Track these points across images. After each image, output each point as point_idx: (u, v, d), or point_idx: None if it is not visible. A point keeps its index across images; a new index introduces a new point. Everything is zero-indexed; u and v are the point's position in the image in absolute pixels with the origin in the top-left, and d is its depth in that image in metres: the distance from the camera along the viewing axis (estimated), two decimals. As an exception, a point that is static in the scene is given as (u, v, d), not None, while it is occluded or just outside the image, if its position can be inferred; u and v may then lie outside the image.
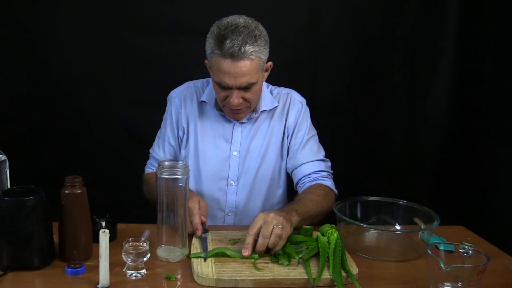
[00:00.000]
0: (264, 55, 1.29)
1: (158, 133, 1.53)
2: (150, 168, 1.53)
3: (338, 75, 2.00)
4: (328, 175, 1.46)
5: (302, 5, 1.94)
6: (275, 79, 1.57)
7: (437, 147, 1.98)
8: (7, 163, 1.15)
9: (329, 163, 1.49)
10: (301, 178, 1.45)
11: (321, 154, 1.48)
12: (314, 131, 1.51)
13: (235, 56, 1.23)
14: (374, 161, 2.06)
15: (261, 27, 1.30)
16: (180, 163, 1.13)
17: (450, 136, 1.93)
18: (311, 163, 1.44)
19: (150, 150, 1.54)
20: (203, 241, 1.18)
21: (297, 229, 1.22)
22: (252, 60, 1.25)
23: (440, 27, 1.89)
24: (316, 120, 1.56)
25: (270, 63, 1.36)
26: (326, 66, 1.99)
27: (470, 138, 1.79)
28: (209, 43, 1.28)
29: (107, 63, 1.94)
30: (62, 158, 1.98)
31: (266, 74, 1.39)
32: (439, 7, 1.89)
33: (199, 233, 1.20)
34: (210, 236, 1.23)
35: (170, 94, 1.52)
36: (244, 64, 1.24)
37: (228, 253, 1.11)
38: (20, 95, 1.94)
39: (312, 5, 1.94)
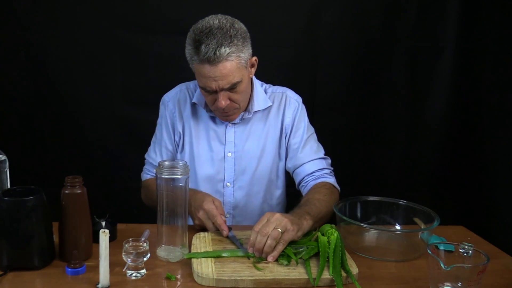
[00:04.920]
0: (244, 52, 1.26)
1: (153, 138, 1.52)
2: (147, 174, 1.52)
3: (338, 75, 2.00)
4: (331, 172, 1.46)
5: (302, 5, 1.94)
6: (275, 79, 1.57)
7: (437, 147, 1.98)
8: (7, 163, 1.15)
9: (329, 161, 1.49)
10: (304, 177, 1.44)
11: (321, 152, 1.48)
12: (312, 129, 1.51)
13: (212, 60, 1.21)
14: (374, 161, 2.06)
15: (237, 25, 1.26)
16: (180, 163, 1.13)
17: (450, 136, 1.93)
18: (313, 162, 1.44)
19: (146, 156, 1.53)
20: (234, 240, 1.19)
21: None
22: (231, 61, 1.23)
23: (440, 27, 1.89)
24: (316, 120, 1.56)
25: (254, 58, 1.34)
26: (326, 66, 1.98)
27: (470, 138, 1.79)
28: (187, 50, 1.26)
29: (107, 63, 1.94)
30: (62, 158, 1.98)
31: (253, 70, 1.37)
32: (439, 7, 1.89)
33: (225, 233, 1.20)
34: (210, 236, 1.23)
35: (163, 98, 1.50)
36: (223, 67, 1.22)
37: (224, 255, 1.11)
38: (20, 95, 1.94)
39: (312, 5, 1.94)
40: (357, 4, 1.94)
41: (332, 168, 1.48)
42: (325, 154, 1.49)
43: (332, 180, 1.43)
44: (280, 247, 1.10)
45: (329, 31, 1.95)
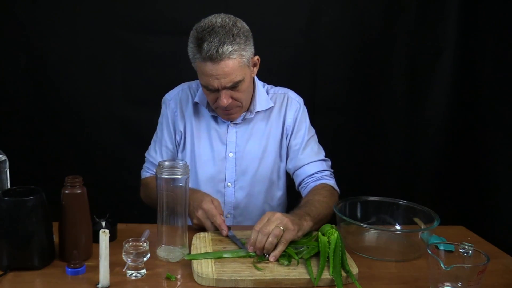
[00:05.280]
0: (247, 51, 1.26)
1: (154, 137, 1.52)
2: (147, 172, 1.52)
3: (338, 75, 2.00)
4: (331, 174, 1.46)
5: (302, 5, 1.94)
6: (275, 79, 1.57)
7: (437, 147, 1.98)
8: (7, 163, 1.15)
9: (329, 163, 1.49)
10: (304, 179, 1.44)
11: (322, 154, 1.48)
12: (313, 131, 1.51)
13: (214, 58, 1.21)
14: (374, 161, 2.06)
15: (240, 24, 1.27)
16: (180, 163, 1.13)
17: (450, 136, 1.93)
18: (313, 164, 1.44)
19: (146, 154, 1.53)
20: (235, 239, 1.19)
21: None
22: (233, 59, 1.23)
23: (440, 27, 1.89)
24: (316, 120, 1.55)
25: (257, 57, 1.35)
26: (326, 66, 1.98)
27: (470, 138, 1.79)
28: (190, 48, 1.27)
29: (107, 63, 1.94)
30: (62, 158, 1.98)
31: (255, 69, 1.38)
32: (439, 7, 1.89)
33: (225, 232, 1.20)
34: (210, 236, 1.23)
35: (164, 97, 1.50)
36: (226, 65, 1.23)
37: (225, 256, 1.11)
38: (20, 95, 1.94)
39: (313, 5, 1.94)
40: (357, 4, 1.94)
41: (332, 170, 1.48)
42: (325, 156, 1.49)
43: (332, 182, 1.43)
44: (281, 247, 1.10)
45: (329, 31, 1.95)
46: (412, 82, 1.98)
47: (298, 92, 1.54)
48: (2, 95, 1.92)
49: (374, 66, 1.99)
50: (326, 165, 1.47)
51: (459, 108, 1.89)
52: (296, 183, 1.48)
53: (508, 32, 1.56)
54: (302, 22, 1.95)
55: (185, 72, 1.43)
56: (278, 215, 1.12)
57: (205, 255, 1.10)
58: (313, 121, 1.53)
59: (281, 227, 1.09)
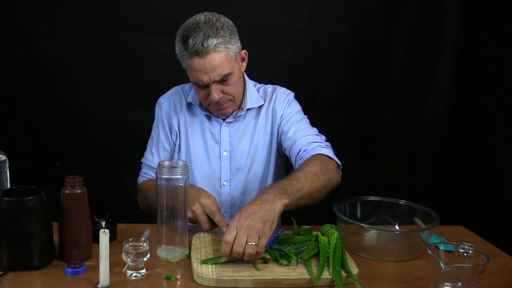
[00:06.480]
0: (232, 44, 1.28)
1: (150, 141, 1.52)
2: (144, 177, 1.51)
3: (338, 75, 2.00)
4: (325, 145, 1.39)
5: (302, 5, 1.94)
6: (275, 79, 1.57)
7: (437, 147, 1.98)
8: (7, 163, 1.16)
9: (324, 137, 1.43)
10: (298, 153, 1.38)
11: (315, 130, 1.44)
12: (304, 115, 1.49)
13: (200, 52, 1.23)
14: (374, 161, 2.06)
15: (223, 19, 1.28)
16: (180, 163, 1.13)
17: (450, 136, 1.93)
18: (306, 137, 1.39)
19: (142, 160, 1.52)
20: None
21: (297, 233, 1.21)
22: (219, 52, 1.24)
23: (440, 27, 1.89)
24: (316, 120, 1.55)
25: (244, 51, 1.35)
26: (326, 66, 1.99)
27: (470, 138, 1.79)
28: (177, 47, 1.29)
29: (107, 63, 1.94)
30: (62, 158, 1.98)
31: (244, 64, 1.38)
32: (439, 7, 1.89)
33: (225, 229, 1.18)
34: (210, 236, 1.23)
35: (158, 100, 1.51)
36: (212, 58, 1.24)
37: (221, 262, 1.07)
38: (20, 95, 1.94)
39: (312, 5, 1.94)
40: (357, 4, 1.94)
41: (328, 143, 1.41)
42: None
43: (326, 151, 1.34)
44: (260, 252, 1.04)
45: (329, 31, 1.96)
46: (412, 82, 1.98)
47: (298, 92, 1.54)
48: (2, 95, 1.92)
49: (374, 66, 1.99)
50: (319, 138, 1.41)
51: (459, 108, 1.89)
52: (292, 162, 1.41)
53: (508, 32, 1.56)
54: (302, 22, 1.95)
55: (184, 72, 1.43)
56: (247, 223, 1.03)
57: (218, 259, 1.08)
58: (313, 121, 1.52)
59: (253, 243, 1.02)
